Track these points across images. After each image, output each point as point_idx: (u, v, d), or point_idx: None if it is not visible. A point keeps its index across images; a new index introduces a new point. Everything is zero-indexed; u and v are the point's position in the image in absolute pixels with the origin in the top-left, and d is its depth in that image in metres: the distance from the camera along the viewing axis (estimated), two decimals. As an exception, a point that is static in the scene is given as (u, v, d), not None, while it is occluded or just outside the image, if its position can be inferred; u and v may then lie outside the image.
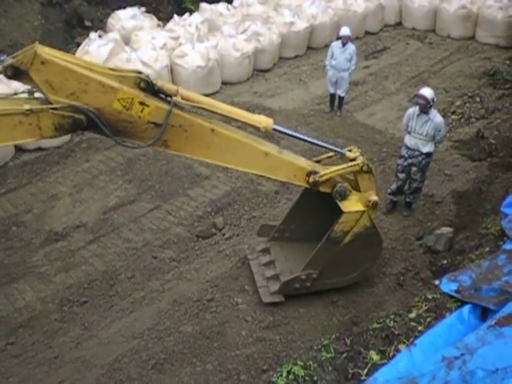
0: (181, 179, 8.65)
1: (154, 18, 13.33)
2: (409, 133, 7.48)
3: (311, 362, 4.68)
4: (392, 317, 5.08)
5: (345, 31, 10.27)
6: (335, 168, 5.65)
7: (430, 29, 15.32)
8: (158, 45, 11.20)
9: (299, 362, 4.68)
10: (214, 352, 5.70)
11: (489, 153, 9.21)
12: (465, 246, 6.62)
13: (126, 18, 12.85)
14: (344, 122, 10.65)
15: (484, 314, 4.76)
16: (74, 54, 11.33)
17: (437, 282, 5.37)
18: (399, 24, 15.86)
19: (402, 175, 7.73)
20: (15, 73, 4.25)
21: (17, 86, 6.67)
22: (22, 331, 6.03)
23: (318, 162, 5.83)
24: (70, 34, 13.04)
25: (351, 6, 14.62)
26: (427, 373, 4.02)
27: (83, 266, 6.95)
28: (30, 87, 4.57)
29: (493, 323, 4.32)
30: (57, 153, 9.24)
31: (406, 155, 7.57)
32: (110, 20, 13.03)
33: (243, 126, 5.38)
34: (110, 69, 4.72)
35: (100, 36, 11.35)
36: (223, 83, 11.96)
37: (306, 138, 5.81)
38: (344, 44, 10.22)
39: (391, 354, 4.58)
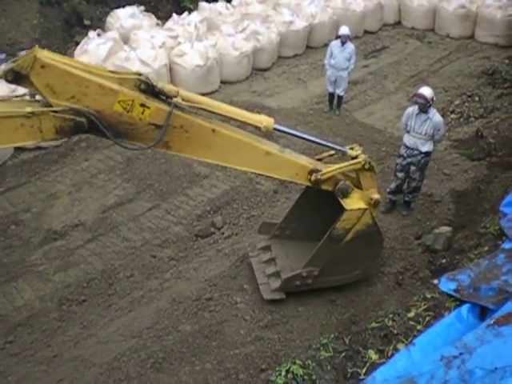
0: (180, 178, 8.65)
1: (153, 16, 13.32)
2: (408, 132, 7.48)
3: (310, 361, 4.69)
4: (391, 316, 5.09)
5: (344, 30, 10.27)
6: (337, 166, 5.66)
7: (429, 28, 15.31)
8: (156, 44, 11.19)
9: (298, 361, 4.69)
10: (212, 351, 5.70)
11: (488, 152, 9.21)
12: (464, 246, 6.62)
13: (124, 16, 12.83)
14: (343, 121, 10.65)
15: (483, 313, 4.76)
16: (72, 52, 11.35)
17: (436, 282, 5.38)
18: (398, 23, 15.84)
19: (400, 174, 7.73)
20: (16, 77, 4.27)
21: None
22: (20, 330, 6.03)
23: (319, 160, 5.85)
24: (69, 32, 13.04)
25: (350, 5, 14.61)
26: (426, 372, 4.03)
27: (82, 265, 6.95)
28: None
29: (492, 322, 4.33)
30: (56, 152, 9.23)
31: (405, 154, 7.57)
32: (109, 19, 13.01)
33: (243, 125, 5.38)
34: (110, 71, 4.74)
35: (99, 35, 11.35)
36: (222, 82, 11.94)
37: (307, 136, 5.83)
38: (343, 43, 10.21)
39: (390, 354, 4.59)
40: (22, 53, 11.00)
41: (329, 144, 5.90)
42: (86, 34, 11.44)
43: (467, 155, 9.33)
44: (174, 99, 4.75)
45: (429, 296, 5.20)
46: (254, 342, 5.77)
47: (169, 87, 4.82)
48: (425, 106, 7.17)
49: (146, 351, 5.70)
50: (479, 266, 5.40)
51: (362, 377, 4.46)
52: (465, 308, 4.81)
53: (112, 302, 6.43)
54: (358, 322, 5.79)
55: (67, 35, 12.91)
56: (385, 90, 12.06)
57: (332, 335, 5.12)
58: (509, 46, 14.03)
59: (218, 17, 13.46)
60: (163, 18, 13.59)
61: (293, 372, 4.57)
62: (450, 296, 5.07)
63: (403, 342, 4.68)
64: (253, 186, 8.44)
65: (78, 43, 11.69)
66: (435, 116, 7.27)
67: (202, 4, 13.90)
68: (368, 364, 4.57)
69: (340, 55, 10.28)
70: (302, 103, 11.34)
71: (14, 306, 6.33)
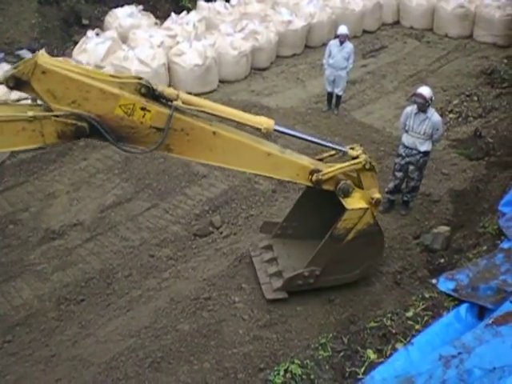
0: (178, 178, 8.64)
1: (152, 16, 13.33)
2: (406, 131, 7.48)
3: (308, 361, 4.69)
4: (389, 315, 5.09)
5: (342, 30, 10.27)
6: (338, 166, 5.67)
7: (427, 28, 15.32)
8: (155, 43, 11.18)
9: (296, 361, 4.70)
10: (211, 350, 5.69)
11: (486, 152, 9.22)
12: (462, 245, 6.63)
13: (123, 16, 12.83)
14: (341, 120, 10.65)
15: (481, 312, 4.77)
16: (71, 51, 11.34)
17: (434, 281, 5.38)
18: (397, 23, 15.85)
19: (399, 174, 7.73)
20: (17, 83, 4.28)
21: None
22: (18, 329, 6.02)
23: (319, 160, 5.86)
24: (68, 32, 13.03)
25: (349, 5, 14.63)
26: (424, 371, 4.03)
27: (80, 265, 6.94)
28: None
29: (490, 322, 4.34)
30: (54, 151, 9.20)
31: (404, 154, 7.57)
32: (108, 18, 13.00)
33: (242, 125, 5.37)
34: (111, 75, 4.75)
35: (97, 34, 11.35)
36: (220, 81, 11.93)
37: (308, 137, 5.83)
38: (342, 42, 10.21)
39: (388, 353, 4.60)
40: (21, 52, 11.04)
41: (330, 144, 5.92)
42: (85, 34, 11.44)
43: (466, 155, 9.34)
44: (175, 102, 4.76)
45: (427, 295, 5.21)
46: (252, 342, 5.77)
47: (169, 90, 4.83)
48: (423, 106, 7.17)
49: (144, 350, 5.69)
50: (478, 265, 5.41)
51: (360, 376, 4.46)
52: (463, 308, 4.81)
53: (110, 301, 6.42)
54: (357, 322, 5.78)
55: (66, 34, 12.89)
56: (383, 90, 12.07)
57: (330, 335, 5.12)
58: (507, 45, 14.04)
59: (216, 16, 13.46)
60: (162, 17, 13.58)
61: (291, 371, 4.57)
62: (449, 295, 5.08)
63: (402, 341, 4.68)
64: (251, 185, 8.43)
65: (76, 42, 11.68)
66: (434, 116, 7.27)
67: (201, 3, 13.90)
68: (366, 363, 4.57)
69: (338, 55, 10.28)
70: (300, 103, 11.34)
71: (13, 306, 6.32)
